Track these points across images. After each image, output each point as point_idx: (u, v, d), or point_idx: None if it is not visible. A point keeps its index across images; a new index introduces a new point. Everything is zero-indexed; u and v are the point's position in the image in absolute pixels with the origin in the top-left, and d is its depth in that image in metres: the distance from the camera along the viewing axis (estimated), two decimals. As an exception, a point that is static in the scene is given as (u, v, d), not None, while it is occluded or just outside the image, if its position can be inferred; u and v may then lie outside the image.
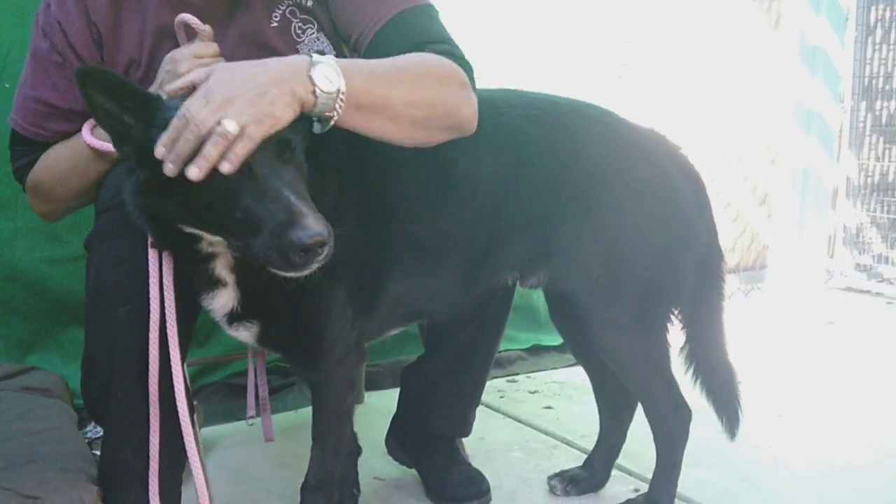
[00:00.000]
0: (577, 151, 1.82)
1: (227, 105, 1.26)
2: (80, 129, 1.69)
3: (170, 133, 1.27)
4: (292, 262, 1.28)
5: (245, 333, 1.67)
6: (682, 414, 1.96)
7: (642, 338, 1.87)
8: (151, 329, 1.54)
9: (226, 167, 1.25)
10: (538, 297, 3.47)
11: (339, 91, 1.35)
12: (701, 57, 4.39)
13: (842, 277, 5.08)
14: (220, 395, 2.87)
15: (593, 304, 1.83)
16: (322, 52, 1.50)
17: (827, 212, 5.01)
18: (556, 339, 3.48)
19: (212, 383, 2.87)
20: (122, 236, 1.59)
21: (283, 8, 1.73)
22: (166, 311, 1.55)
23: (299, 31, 1.75)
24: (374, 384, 3.03)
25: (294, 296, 1.53)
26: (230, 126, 1.24)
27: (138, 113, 1.33)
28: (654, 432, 1.98)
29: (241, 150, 1.25)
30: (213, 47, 1.59)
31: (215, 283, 1.58)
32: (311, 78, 1.33)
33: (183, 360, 1.61)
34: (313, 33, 1.75)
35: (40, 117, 1.72)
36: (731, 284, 4.27)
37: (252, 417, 2.15)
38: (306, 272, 1.31)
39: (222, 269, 1.55)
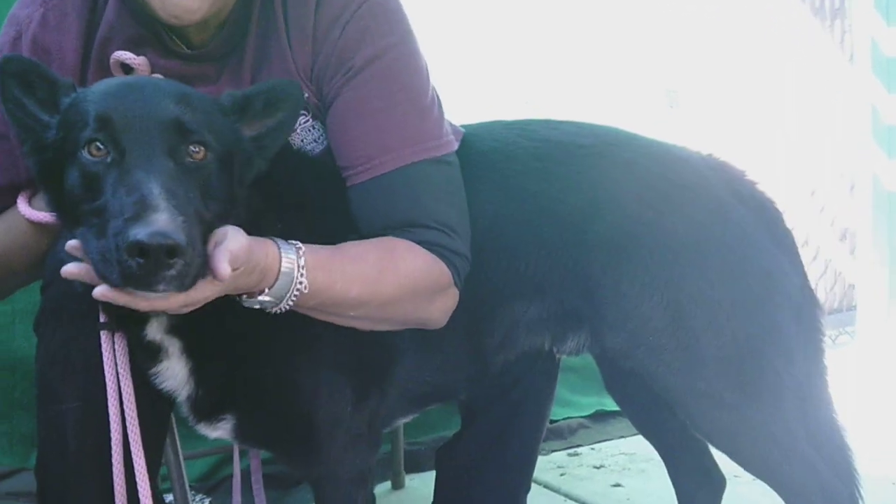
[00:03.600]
0: (596, 203, 1.60)
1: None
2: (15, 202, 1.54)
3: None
4: (127, 270, 1.05)
5: (220, 431, 1.46)
6: (835, 495, 1.61)
7: (750, 409, 1.57)
8: (113, 433, 1.36)
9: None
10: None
11: (278, 307, 1.31)
12: (760, 81, 4.21)
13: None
14: (246, 486, 2.60)
15: (673, 377, 1.58)
16: (317, 142, 1.54)
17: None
18: None
19: (231, 475, 2.58)
20: (67, 315, 1.46)
21: None
22: (125, 407, 1.36)
23: None
24: (415, 466, 2.81)
25: (269, 371, 1.39)
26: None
27: (48, 104, 1.27)
28: None
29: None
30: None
31: (155, 353, 1.36)
32: (253, 297, 1.28)
33: (152, 467, 1.43)
34: (307, 122, 1.56)
35: None
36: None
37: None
38: (152, 292, 1.09)
39: (157, 330, 1.33)
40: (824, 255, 4.54)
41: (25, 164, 1.48)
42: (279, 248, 1.28)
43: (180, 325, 1.32)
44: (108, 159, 1.14)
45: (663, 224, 1.58)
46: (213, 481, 2.58)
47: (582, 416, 3.18)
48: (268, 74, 1.50)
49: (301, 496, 2.61)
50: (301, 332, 1.37)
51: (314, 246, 1.33)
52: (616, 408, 3.15)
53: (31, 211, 1.49)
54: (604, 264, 1.57)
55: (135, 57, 1.43)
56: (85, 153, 1.15)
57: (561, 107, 3.25)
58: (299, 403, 1.44)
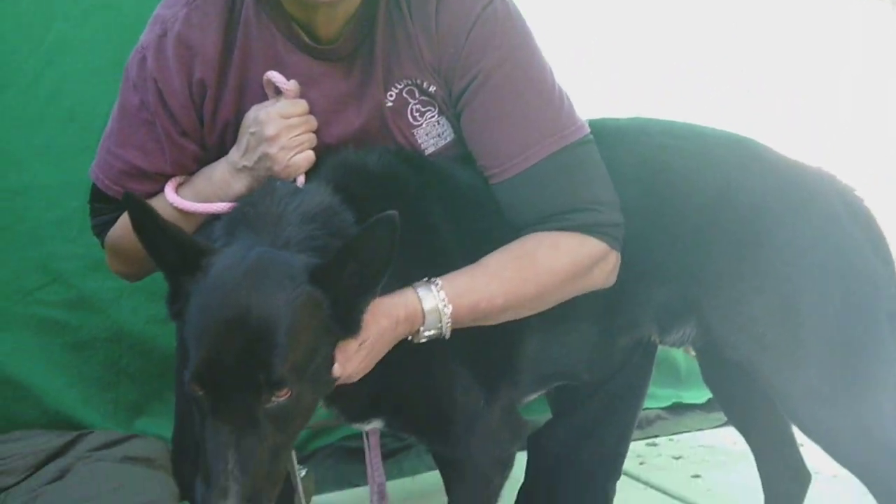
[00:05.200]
0: (731, 190, 1.63)
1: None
2: (163, 189, 1.62)
3: None
4: None
5: (370, 426, 1.57)
6: None
7: (850, 407, 1.60)
8: None
9: None
10: (677, 349, 3.21)
11: (441, 334, 1.41)
12: (834, 72, 4.10)
13: None
14: (334, 460, 2.73)
15: (777, 372, 1.62)
16: (441, 137, 1.59)
17: None
18: (701, 397, 3.22)
19: (325, 446, 2.74)
20: None
21: (401, 87, 1.59)
22: None
23: (417, 115, 1.61)
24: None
25: (409, 378, 1.47)
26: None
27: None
28: None
29: None
30: (301, 105, 1.52)
31: None
32: (417, 335, 1.39)
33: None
34: (433, 117, 1.61)
35: (124, 177, 1.64)
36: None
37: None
38: None
39: None
40: None
41: (171, 152, 1.58)
42: (416, 291, 1.38)
43: None
44: (205, 404, 1.18)
45: (787, 224, 1.62)
46: (306, 452, 2.64)
47: (660, 408, 3.18)
48: (398, 70, 1.55)
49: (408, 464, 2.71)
50: (431, 342, 1.43)
51: (450, 275, 1.42)
52: (693, 401, 3.21)
53: (177, 199, 1.57)
54: (728, 255, 1.61)
55: (285, 82, 1.50)
56: (189, 383, 1.19)
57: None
58: (437, 404, 1.52)
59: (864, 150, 4.25)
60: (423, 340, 1.40)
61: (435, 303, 1.38)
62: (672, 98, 3.47)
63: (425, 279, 1.40)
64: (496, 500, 1.64)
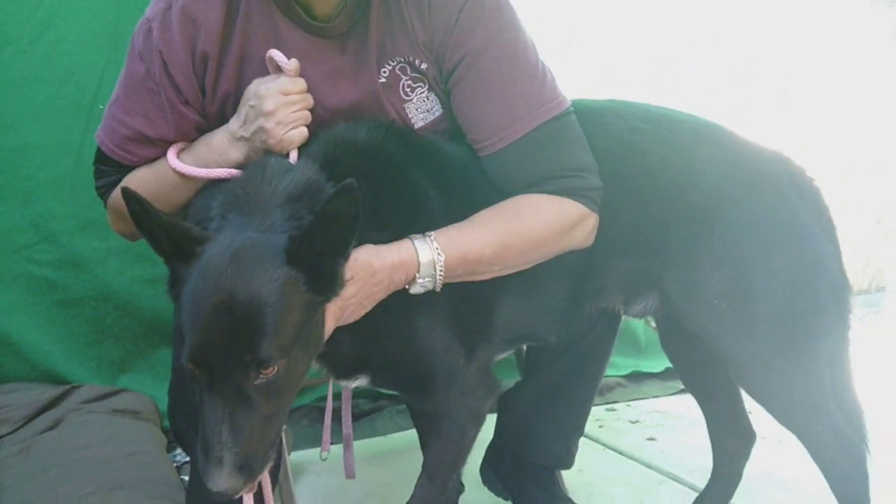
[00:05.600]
0: (694, 172, 1.73)
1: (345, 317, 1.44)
2: (165, 154, 1.68)
3: None
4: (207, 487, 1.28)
5: (355, 384, 1.65)
6: (855, 452, 1.78)
7: (794, 374, 1.72)
8: None
9: None
10: (637, 322, 3.35)
11: (435, 285, 1.51)
12: (807, 67, 4.21)
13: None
14: (309, 420, 2.82)
15: (730, 340, 1.72)
16: (429, 112, 1.67)
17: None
18: (658, 366, 3.35)
19: (300, 406, 2.82)
20: None
21: (394, 64, 1.66)
22: None
23: (408, 90, 1.68)
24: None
25: (393, 338, 1.54)
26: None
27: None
28: (827, 479, 1.80)
29: None
30: (300, 83, 1.57)
31: None
32: (413, 284, 1.49)
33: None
34: (423, 92, 1.69)
35: (127, 142, 1.70)
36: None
37: (326, 454, 2.04)
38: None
39: None
40: (857, 238, 4.53)
41: (174, 120, 1.65)
42: (412, 242, 1.48)
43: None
44: (201, 381, 1.28)
45: (741, 204, 1.72)
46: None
47: (619, 376, 3.30)
48: (392, 47, 1.63)
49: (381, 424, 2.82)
50: (415, 304, 1.53)
51: (442, 229, 1.52)
52: (650, 370, 3.33)
53: (178, 163, 1.62)
54: (688, 232, 1.70)
55: (286, 61, 1.56)
56: (186, 363, 1.28)
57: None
58: (420, 362, 1.59)
59: (853, 131, 4.39)
60: (419, 290, 1.49)
61: (428, 251, 1.47)
62: (663, 81, 3.53)
63: (425, 233, 1.50)
64: (468, 452, 1.74)
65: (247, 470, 1.26)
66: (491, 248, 1.54)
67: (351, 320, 1.44)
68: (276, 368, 1.27)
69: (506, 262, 1.58)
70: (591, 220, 1.64)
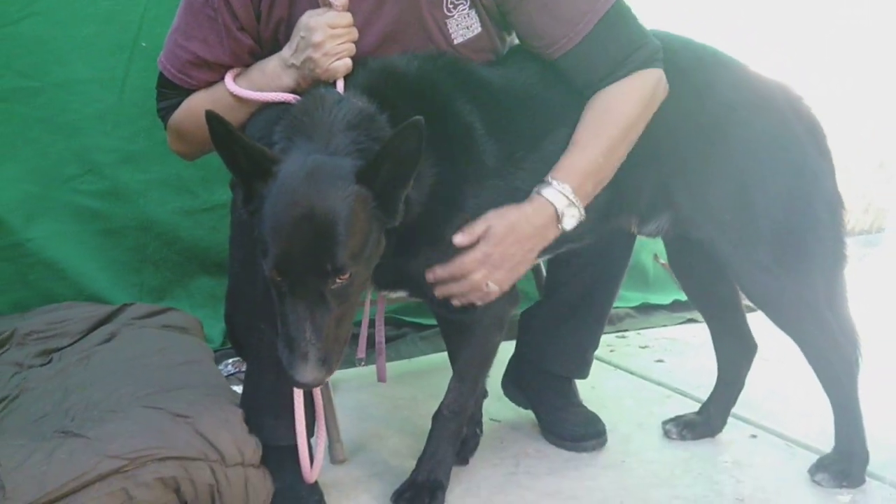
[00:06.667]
0: (702, 94, 1.87)
1: (495, 271, 1.66)
2: (223, 78, 1.79)
3: (450, 271, 1.66)
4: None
5: (394, 296, 1.82)
6: (845, 353, 1.93)
7: (791, 279, 1.87)
8: None
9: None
10: (646, 258, 3.48)
11: (579, 212, 1.71)
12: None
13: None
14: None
15: (733, 248, 1.88)
16: (469, 29, 1.78)
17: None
18: (666, 298, 3.47)
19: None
20: None
21: None
22: None
23: (451, 6, 1.77)
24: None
25: (432, 256, 1.68)
26: (493, 288, 1.68)
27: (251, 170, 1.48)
28: (819, 380, 1.96)
29: (491, 298, 1.70)
30: (347, 17, 1.66)
31: None
32: (561, 229, 1.70)
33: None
34: (465, 9, 1.78)
35: (188, 66, 1.80)
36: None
37: (362, 359, 2.23)
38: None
39: None
40: (860, 181, 4.64)
41: (230, 45, 1.76)
42: (539, 191, 1.68)
43: None
44: (284, 287, 1.43)
45: (746, 123, 1.86)
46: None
47: (629, 307, 3.41)
48: None
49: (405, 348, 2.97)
50: (448, 221, 1.67)
51: (557, 165, 1.71)
52: (659, 302, 3.45)
53: (235, 87, 1.73)
54: (698, 148, 1.85)
55: None
56: (269, 272, 1.43)
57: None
58: None
59: (856, 76, 4.42)
60: (572, 223, 1.70)
61: (559, 190, 1.67)
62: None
63: (544, 179, 1.69)
64: (494, 355, 1.91)
65: (326, 364, 1.42)
66: (602, 154, 1.71)
67: (512, 273, 1.69)
68: (349, 274, 1.43)
69: (621, 153, 1.75)
70: (663, 77, 1.78)
